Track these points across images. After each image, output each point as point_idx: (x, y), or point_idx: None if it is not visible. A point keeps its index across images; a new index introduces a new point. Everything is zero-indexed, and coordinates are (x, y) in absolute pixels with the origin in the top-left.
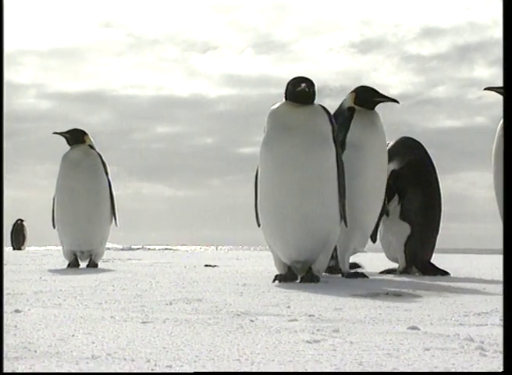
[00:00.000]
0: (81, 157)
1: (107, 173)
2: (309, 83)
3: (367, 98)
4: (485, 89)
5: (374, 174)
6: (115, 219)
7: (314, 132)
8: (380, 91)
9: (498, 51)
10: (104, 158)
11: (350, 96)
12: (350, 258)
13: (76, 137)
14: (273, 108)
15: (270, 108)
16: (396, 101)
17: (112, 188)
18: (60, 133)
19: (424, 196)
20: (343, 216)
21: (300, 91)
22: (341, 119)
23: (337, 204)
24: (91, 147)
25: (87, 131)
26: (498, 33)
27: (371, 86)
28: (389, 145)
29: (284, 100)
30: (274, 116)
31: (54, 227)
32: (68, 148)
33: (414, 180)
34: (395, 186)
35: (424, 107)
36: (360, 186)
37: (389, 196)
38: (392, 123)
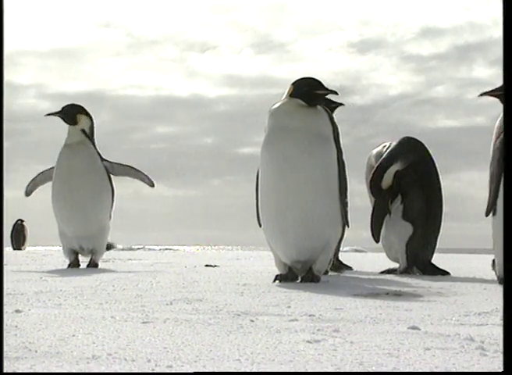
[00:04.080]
0: (75, 145)
1: (102, 160)
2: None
3: None
4: (480, 95)
5: None
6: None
7: (314, 133)
8: None
9: (497, 51)
10: (97, 147)
11: None
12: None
13: (69, 116)
14: (274, 108)
15: (270, 108)
16: None
17: (112, 178)
18: (53, 114)
19: (426, 196)
20: (344, 216)
21: (320, 95)
22: None
23: (338, 204)
24: (84, 132)
25: (83, 106)
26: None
27: None
28: (392, 146)
29: (287, 97)
30: (275, 116)
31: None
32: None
33: (416, 180)
34: (398, 186)
35: (423, 107)
36: None
37: (392, 196)
38: (390, 123)
